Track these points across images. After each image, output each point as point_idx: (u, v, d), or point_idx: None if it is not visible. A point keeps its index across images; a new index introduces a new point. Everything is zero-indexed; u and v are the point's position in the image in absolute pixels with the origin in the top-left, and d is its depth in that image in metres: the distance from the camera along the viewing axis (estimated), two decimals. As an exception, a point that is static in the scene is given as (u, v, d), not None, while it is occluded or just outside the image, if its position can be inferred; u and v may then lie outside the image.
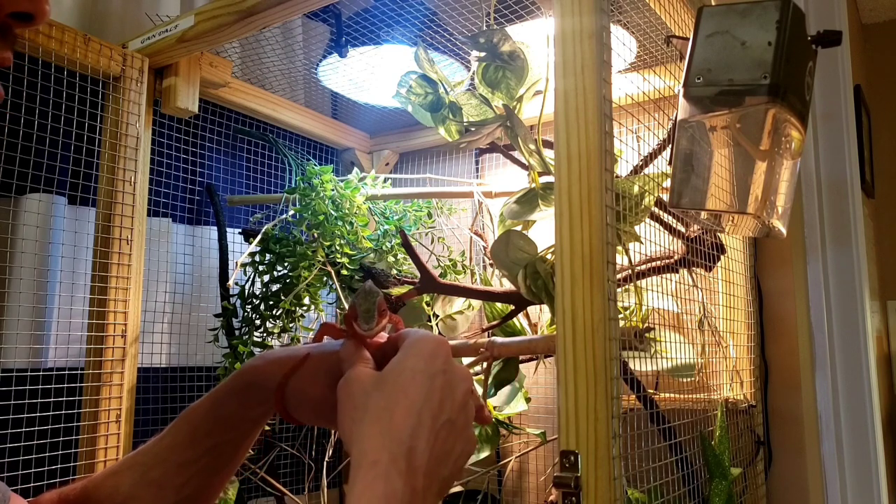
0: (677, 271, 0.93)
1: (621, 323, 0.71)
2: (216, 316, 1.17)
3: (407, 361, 0.44)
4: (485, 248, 1.21)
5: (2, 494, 0.52)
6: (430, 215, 1.25)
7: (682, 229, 0.91)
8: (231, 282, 1.18)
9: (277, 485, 1.21)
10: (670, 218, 0.91)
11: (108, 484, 0.56)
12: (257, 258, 1.14)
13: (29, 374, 0.96)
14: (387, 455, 0.39)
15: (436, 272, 1.03)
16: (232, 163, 1.34)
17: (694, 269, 0.96)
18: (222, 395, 0.55)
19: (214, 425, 0.55)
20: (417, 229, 1.24)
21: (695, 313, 1.01)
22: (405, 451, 0.39)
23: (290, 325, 1.15)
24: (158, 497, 0.54)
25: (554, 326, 0.77)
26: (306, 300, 1.15)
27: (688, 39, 0.73)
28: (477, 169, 1.45)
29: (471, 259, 1.27)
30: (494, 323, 1.04)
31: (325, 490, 1.25)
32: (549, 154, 0.90)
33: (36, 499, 0.58)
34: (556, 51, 0.63)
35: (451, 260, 1.23)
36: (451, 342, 1.00)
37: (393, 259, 1.19)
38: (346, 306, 0.57)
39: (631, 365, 0.83)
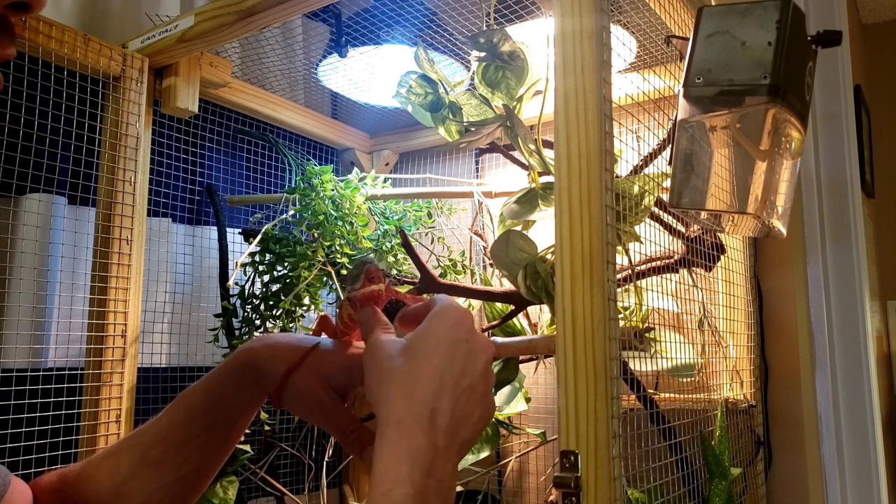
0: (677, 271, 0.93)
1: (621, 323, 0.71)
2: (216, 316, 1.17)
3: (432, 329, 0.46)
4: (485, 248, 1.21)
5: (2, 479, 0.53)
6: (430, 215, 1.25)
7: (682, 229, 0.91)
8: (231, 282, 1.18)
9: (277, 485, 1.21)
10: (670, 218, 0.91)
11: (108, 464, 0.57)
12: (257, 258, 1.14)
13: (29, 374, 0.96)
14: (411, 415, 0.42)
15: (436, 272, 1.03)
16: (232, 163, 1.34)
17: (694, 269, 0.96)
18: (220, 374, 0.56)
19: (211, 404, 0.56)
20: (417, 229, 1.24)
21: (695, 313, 1.01)
22: (428, 413, 0.42)
23: (290, 325, 1.15)
24: (158, 475, 0.55)
25: (554, 326, 0.77)
26: (306, 300, 1.16)
27: (688, 39, 0.73)
28: (477, 169, 1.45)
29: (471, 259, 1.27)
30: (494, 323, 1.04)
31: (325, 490, 1.25)
32: (549, 154, 0.90)
33: (36, 480, 0.59)
34: (556, 51, 0.63)
35: (451, 260, 1.23)
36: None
37: (393, 259, 1.19)
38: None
39: (631, 365, 0.83)
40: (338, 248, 1.14)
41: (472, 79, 0.95)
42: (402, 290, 1.05)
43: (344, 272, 1.12)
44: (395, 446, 0.41)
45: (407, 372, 0.44)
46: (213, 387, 0.56)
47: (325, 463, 1.27)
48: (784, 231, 0.78)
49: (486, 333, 1.06)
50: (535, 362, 1.17)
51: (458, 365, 0.45)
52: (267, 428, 1.13)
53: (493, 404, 0.48)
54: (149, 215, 1.09)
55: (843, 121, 1.17)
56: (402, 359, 0.45)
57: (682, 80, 0.71)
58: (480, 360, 0.46)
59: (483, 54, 0.90)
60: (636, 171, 0.91)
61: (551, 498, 1.14)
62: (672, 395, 1.01)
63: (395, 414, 0.42)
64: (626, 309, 0.90)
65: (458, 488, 1.19)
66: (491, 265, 1.24)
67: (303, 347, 0.55)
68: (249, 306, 1.13)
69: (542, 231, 0.97)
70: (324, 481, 1.25)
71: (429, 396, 0.43)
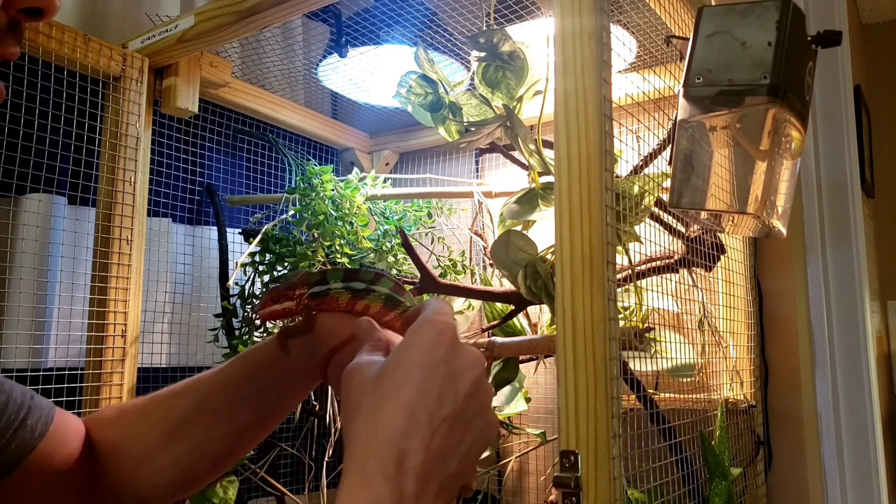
0: (677, 271, 0.93)
1: (621, 323, 0.71)
2: (216, 316, 1.17)
3: (404, 353, 0.41)
4: (485, 248, 1.21)
5: (44, 417, 0.54)
6: (430, 215, 1.25)
7: (682, 229, 0.91)
8: (231, 282, 1.18)
9: (277, 485, 1.21)
10: (670, 218, 0.91)
11: (167, 405, 0.59)
12: (257, 258, 1.14)
13: (29, 374, 0.96)
14: (374, 460, 0.37)
15: (436, 272, 1.03)
16: (232, 163, 1.34)
17: (694, 269, 0.96)
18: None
19: (270, 366, 0.56)
20: (417, 229, 1.24)
21: (695, 313, 1.01)
22: (395, 455, 0.37)
23: (291, 325, 1.14)
24: (212, 424, 0.57)
25: (554, 326, 0.77)
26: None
27: (688, 39, 0.73)
28: (477, 169, 1.45)
29: (471, 259, 1.27)
30: (494, 323, 1.04)
31: (325, 490, 1.25)
32: (549, 154, 0.90)
33: (100, 411, 0.62)
34: (556, 51, 0.63)
35: (451, 260, 1.23)
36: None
37: (393, 259, 1.19)
38: None
39: (631, 365, 0.83)
40: (338, 248, 1.14)
41: (472, 79, 0.95)
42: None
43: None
44: (353, 497, 0.36)
45: (373, 407, 0.39)
46: (275, 349, 0.56)
47: (325, 463, 1.27)
48: (784, 231, 0.78)
49: (486, 334, 1.06)
50: (535, 362, 1.17)
51: (434, 394, 0.39)
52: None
53: (492, 422, 0.42)
54: (149, 215, 1.09)
55: (843, 121, 1.17)
56: (373, 390, 0.40)
57: (682, 80, 0.71)
58: (466, 380, 0.41)
59: (483, 54, 0.90)
60: (636, 171, 0.91)
61: (551, 498, 1.14)
62: (672, 395, 1.01)
63: (357, 458, 0.37)
64: (626, 309, 0.90)
65: None
66: (491, 265, 1.24)
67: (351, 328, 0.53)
68: (249, 306, 1.13)
69: (542, 231, 0.97)
70: (324, 481, 1.25)
71: (396, 436, 0.37)
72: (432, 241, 1.27)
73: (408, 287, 1.04)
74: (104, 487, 0.58)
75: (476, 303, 1.18)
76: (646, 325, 0.87)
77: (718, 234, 0.93)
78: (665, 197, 0.77)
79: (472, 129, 0.94)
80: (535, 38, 0.94)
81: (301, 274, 0.55)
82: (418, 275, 1.02)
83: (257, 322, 0.98)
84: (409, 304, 0.56)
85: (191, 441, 0.57)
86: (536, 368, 1.24)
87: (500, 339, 0.98)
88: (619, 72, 1.08)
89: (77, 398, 0.95)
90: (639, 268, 0.91)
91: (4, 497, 0.53)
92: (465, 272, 1.23)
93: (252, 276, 1.15)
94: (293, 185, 1.17)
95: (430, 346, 0.41)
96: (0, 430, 0.52)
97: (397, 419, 0.38)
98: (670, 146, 0.77)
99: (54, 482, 0.55)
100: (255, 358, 0.57)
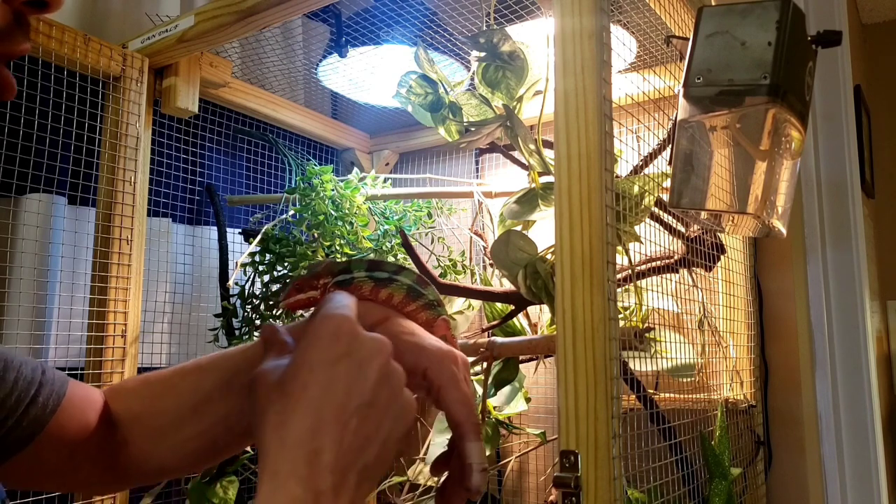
0: (677, 271, 0.93)
1: (621, 323, 0.71)
2: (216, 316, 1.17)
3: (305, 353, 0.40)
4: (485, 248, 1.21)
5: (56, 390, 0.55)
6: (430, 215, 1.25)
7: (682, 229, 0.91)
8: (231, 282, 1.18)
9: (277, 485, 1.20)
10: (670, 218, 0.91)
11: (193, 378, 0.58)
12: (257, 258, 1.14)
13: (29, 374, 0.96)
14: (286, 464, 0.37)
15: (436, 272, 1.03)
16: (232, 163, 1.34)
17: (694, 269, 0.96)
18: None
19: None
20: (417, 229, 1.24)
21: (695, 313, 1.01)
22: (305, 455, 0.37)
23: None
24: (238, 402, 0.55)
25: (554, 326, 0.77)
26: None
27: (688, 39, 0.73)
28: (477, 169, 1.45)
29: (471, 259, 1.27)
30: (494, 323, 1.04)
31: (325, 490, 1.25)
32: (549, 154, 0.90)
33: (120, 383, 0.62)
34: (556, 51, 0.63)
35: (451, 260, 1.23)
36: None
37: (393, 259, 1.19)
38: None
39: (631, 365, 0.83)
40: (338, 248, 1.14)
41: (472, 79, 0.95)
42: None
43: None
44: (267, 502, 0.36)
45: (279, 411, 0.38)
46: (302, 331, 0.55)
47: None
48: (784, 231, 0.78)
49: (486, 334, 1.06)
50: (535, 362, 1.17)
51: (339, 388, 0.39)
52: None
53: (407, 405, 0.42)
54: (149, 215, 1.09)
55: (843, 121, 1.17)
56: (276, 395, 0.39)
57: (682, 80, 0.71)
58: (373, 367, 0.40)
59: (483, 54, 0.90)
60: (636, 171, 0.91)
61: (551, 498, 1.14)
62: (672, 395, 1.01)
63: (268, 465, 0.37)
64: (626, 309, 0.90)
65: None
66: (491, 265, 1.24)
67: (384, 313, 0.53)
68: (249, 306, 1.13)
69: (542, 231, 0.97)
70: (324, 481, 1.25)
71: (305, 437, 0.37)
72: (432, 241, 1.27)
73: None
74: (124, 456, 0.58)
75: (476, 303, 1.18)
76: (646, 325, 0.87)
77: (718, 234, 0.93)
78: (665, 197, 0.77)
79: (472, 129, 0.94)
80: (535, 38, 0.94)
81: (325, 263, 0.55)
82: (418, 275, 1.02)
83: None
84: (433, 298, 0.56)
85: (218, 414, 0.56)
86: (536, 368, 1.24)
87: (500, 339, 0.98)
88: (619, 72, 1.08)
89: (77, 398, 0.95)
90: (639, 268, 0.91)
91: (21, 468, 0.54)
92: (465, 272, 1.23)
93: (252, 276, 1.15)
94: (293, 185, 1.17)
95: (329, 341, 0.41)
96: (11, 408, 0.52)
97: (305, 419, 0.38)
98: (670, 146, 0.77)
99: (71, 452, 0.56)
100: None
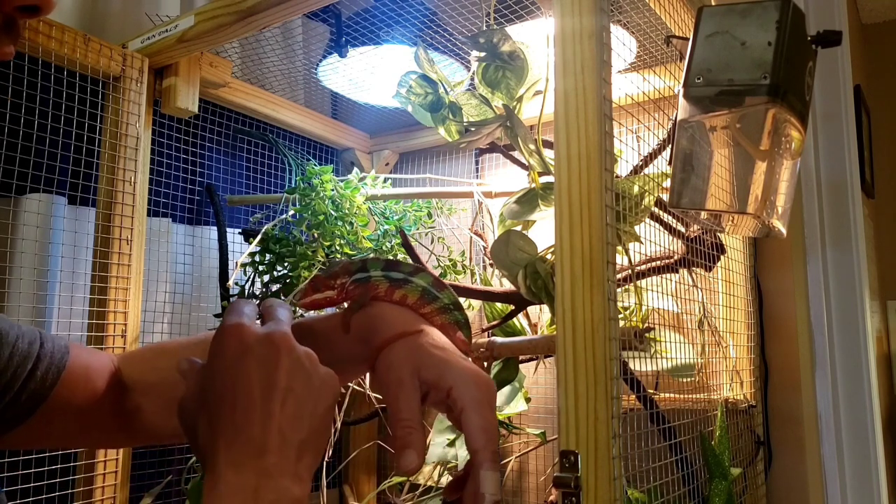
0: (677, 271, 0.93)
1: (621, 323, 0.71)
2: (216, 316, 1.17)
3: (210, 368, 0.43)
4: (485, 248, 1.21)
5: (57, 358, 0.55)
6: (430, 215, 1.25)
7: (682, 229, 0.91)
8: (231, 282, 1.18)
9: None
10: (670, 218, 0.91)
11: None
12: (257, 258, 1.14)
13: (29, 374, 0.96)
14: (223, 459, 0.39)
15: (436, 272, 1.03)
16: (232, 163, 1.34)
17: (694, 269, 0.96)
18: (346, 315, 0.55)
19: (326, 338, 0.55)
20: (417, 229, 1.24)
21: (695, 313, 1.01)
22: (240, 447, 0.39)
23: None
24: None
25: (554, 326, 0.77)
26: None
27: (688, 39, 0.73)
28: (477, 169, 1.45)
29: (471, 259, 1.27)
30: (494, 323, 1.04)
31: (325, 490, 1.25)
32: (549, 154, 0.90)
33: (136, 351, 0.63)
34: (556, 51, 0.63)
35: (451, 260, 1.23)
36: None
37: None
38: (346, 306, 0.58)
39: (631, 365, 0.83)
40: (338, 248, 1.14)
41: (472, 79, 0.95)
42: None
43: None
44: (212, 492, 0.38)
45: (205, 421, 0.42)
46: (335, 325, 0.55)
47: (324, 463, 1.27)
48: (784, 231, 0.78)
49: (486, 334, 1.06)
50: (535, 362, 1.17)
51: (251, 381, 0.42)
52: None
53: (326, 378, 0.45)
54: (149, 215, 1.09)
55: (843, 121, 1.17)
56: (199, 412, 0.43)
57: (682, 80, 0.71)
58: (279, 356, 0.43)
59: (483, 54, 0.90)
60: (636, 171, 0.91)
61: (551, 498, 1.14)
62: (672, 395, 1.01)
63: (208, 467, 0.40)
64: (626, 309, 0.90)
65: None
66: (491, 265, 1.24)
67: (418, 323, 0.53)
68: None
69: (542, 231, 0.97)
70: (324, 481, 1.25)
71: (235, 431, 0.40)
72: (432, 241, 1.27)
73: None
74: (138, 421, 0.58)
75: (476, 303, 1.18)
76: (646, 325, 0.87)
77: (718, 234, 0.93)
78: (665, 197, 0.77)
79: (472, 129, 0.94)
80: (535, 38, 0.94)
81: (342, 263, 0.56)
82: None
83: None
84: (448, 301, 0.56)
85: None
86: (536, 368, 1.24)
87: (500, 339, 0.98)
88: (619, 72, 1.08)
89: (77, 398, 0.95)
90: (639, 268, 0.91)
91: (28, 436, 0.55)
92: (465, 272, 1.23)
93: (252, 276, 1.15)
94: (293, 185, 1.17)
95: (227, 347, 0.43)
96: (6, 385, 0.53)
97: (228, 417, 0.40)
98: (670, 146, 0.77)
99: (79, 418, 0.57)
100: (317, 325, 0.56)
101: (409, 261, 0.99)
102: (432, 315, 0.55)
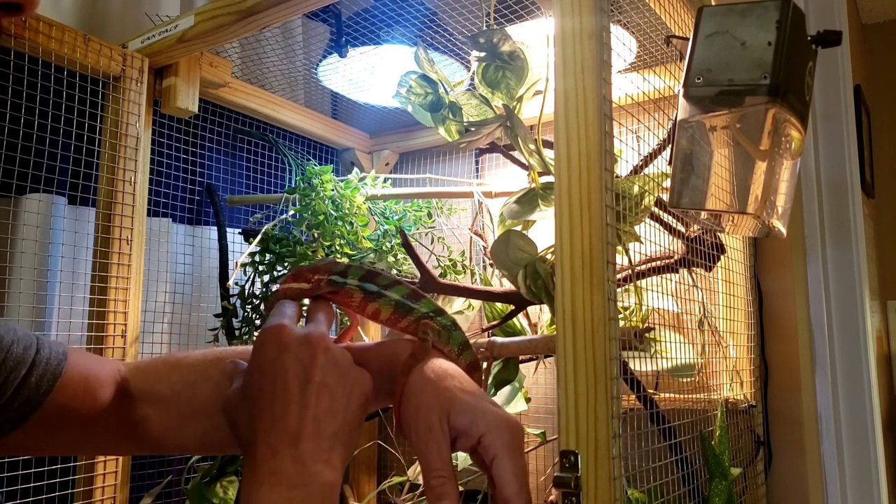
0: (677, 271, 0.93)
1: (621, 323, 0.71)
2: (216, 316, 1.17)
3: (252, 364, 0.47)
4: (485, 248, 1.21)
5: (53, 365, 0.55)
6: (430, 215, 1.25)
7: (682, 229, 0.91)
8: (231, 282, 1.18)
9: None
10: (670, 218, 0.91)
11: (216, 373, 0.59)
12: (257, 258, 1.14)
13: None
14: (264, 448, 0.42)
15: (436, 272, 1.03)
16: (232, 163, 1.34)
17: (694, 269, 0.96)
18: (385, 348, 0.55)
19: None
20: (417, 229, 1.24)
21: (695, 313, 1.01)
22: (278, 434, 0.42)
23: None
24: None
25: (554, 326, 0.77)
26: (306, 301, 1.15)
27: (688, 39, 0.73)
28: (477, 169, 1.45)
29: (471, 259, 1.27)
30: (494, 323, 1.04)
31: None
32: (549, 154, 0.90)
33: (144, 363, 0.63)
34: (556, 51, 0.63)
35: (451, 260, 1.23)
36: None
37: (393, 259, 1.19)
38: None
39: (631, 365, 0.83)
40: (338, 248, 1.14)
41: (472, 79, 0.95)
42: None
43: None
44: (252, 475, 0.41)
45: (246, 414, 0.45)
46: (369, 354, 0.55)
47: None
48: (784, 231, 0.78)
49: (486, 334, 1.06)
50: (535, 362, 1.17)
51: (289, 377, 0.45)
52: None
53: (360, 376, 0.47)
54: (149, 215, 1.09)
55: (843, 121, 1.17)
56: (242, 404, 0.46)
57: (682, 80, 0.71)
58: (315, 354, 0.46)
59: (483, 54, 0.90)
60: (636, 171, 0.91)
61: (551, 498, 1.14)
62: (672, 395, 1.01)
63: (248, 458, 0.42)
64: (626, 309, 0.90)
65: (459, 488, 1.19)
66: (491, 265, 1.24)
67: (452, 370, 0.52)
68: (249, 306, 1.13)
69: (542, 231, 0.97)
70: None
71: (273, 422, 0.43)
72: (432, 241, 1.27)
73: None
74: (144, 431, 0.58)
75: (476, 303, 1.18)
76: (646, 325, 0.87)
77: (718, 234, 0.93)
78: (665, 197, 0.77)
79: (472, 129, 0.94)
80: (535, 38, 0.94)
81: (328, 261, 0.56)
82: (418, 275, 1.02)
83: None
84: (426, 310, 0.55)
85: None
86: (536, 368, 1.24)
87: (500, 339, 0.98)
88: (619, 72, 1.08)
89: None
90: (639, 268, 0.91)
91: (28, 440, 0.55)
92: (465, 272, 1.23)
93: (252, 276, 1.15)
94: (293, 185, 1.17)
95: (268, 346, 0.47)
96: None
97: (268, 410, 0.44)
98: (670, 146, 0.77)
99: (83, 425, 0.57)
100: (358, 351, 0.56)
101: (410, 261, 0.99)
102: (410, 327, 0.55)
